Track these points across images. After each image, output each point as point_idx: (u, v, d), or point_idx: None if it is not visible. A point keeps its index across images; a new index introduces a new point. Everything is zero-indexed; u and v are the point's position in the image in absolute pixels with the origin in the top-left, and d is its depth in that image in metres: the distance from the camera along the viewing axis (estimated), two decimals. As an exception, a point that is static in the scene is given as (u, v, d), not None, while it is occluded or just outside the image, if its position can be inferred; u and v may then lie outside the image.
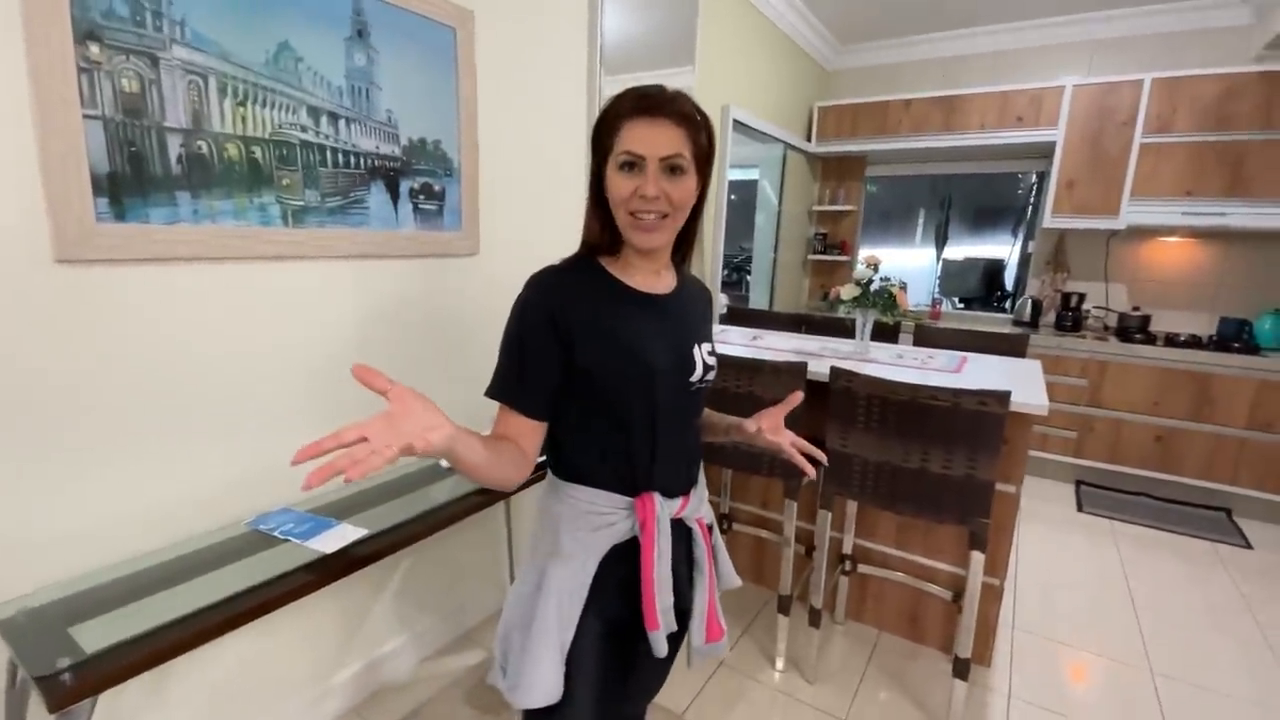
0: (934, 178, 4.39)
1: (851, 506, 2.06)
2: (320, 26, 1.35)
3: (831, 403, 1.72)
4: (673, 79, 2.82)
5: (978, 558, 1.57)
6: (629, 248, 0.88)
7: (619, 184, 0.81)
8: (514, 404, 0.85)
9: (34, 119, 0.99)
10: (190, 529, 1.25)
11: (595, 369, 0.83)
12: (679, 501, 0.93)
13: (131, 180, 1.11)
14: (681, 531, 0.95)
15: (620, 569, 0.88)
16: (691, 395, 0.93)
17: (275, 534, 1.24)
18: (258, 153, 1.28)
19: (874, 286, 2.23)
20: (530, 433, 0.86)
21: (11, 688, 1.01)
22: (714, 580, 0.99)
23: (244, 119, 1.25)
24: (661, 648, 0.89)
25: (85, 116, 1.04)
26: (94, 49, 1.04)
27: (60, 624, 0.95)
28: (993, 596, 1.87)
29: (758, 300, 4.30)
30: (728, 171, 3.19)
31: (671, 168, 0.81)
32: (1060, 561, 2.64)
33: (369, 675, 1.72)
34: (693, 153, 0.82)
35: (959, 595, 1.78)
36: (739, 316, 3.20)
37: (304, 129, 1.34)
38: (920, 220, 4.59)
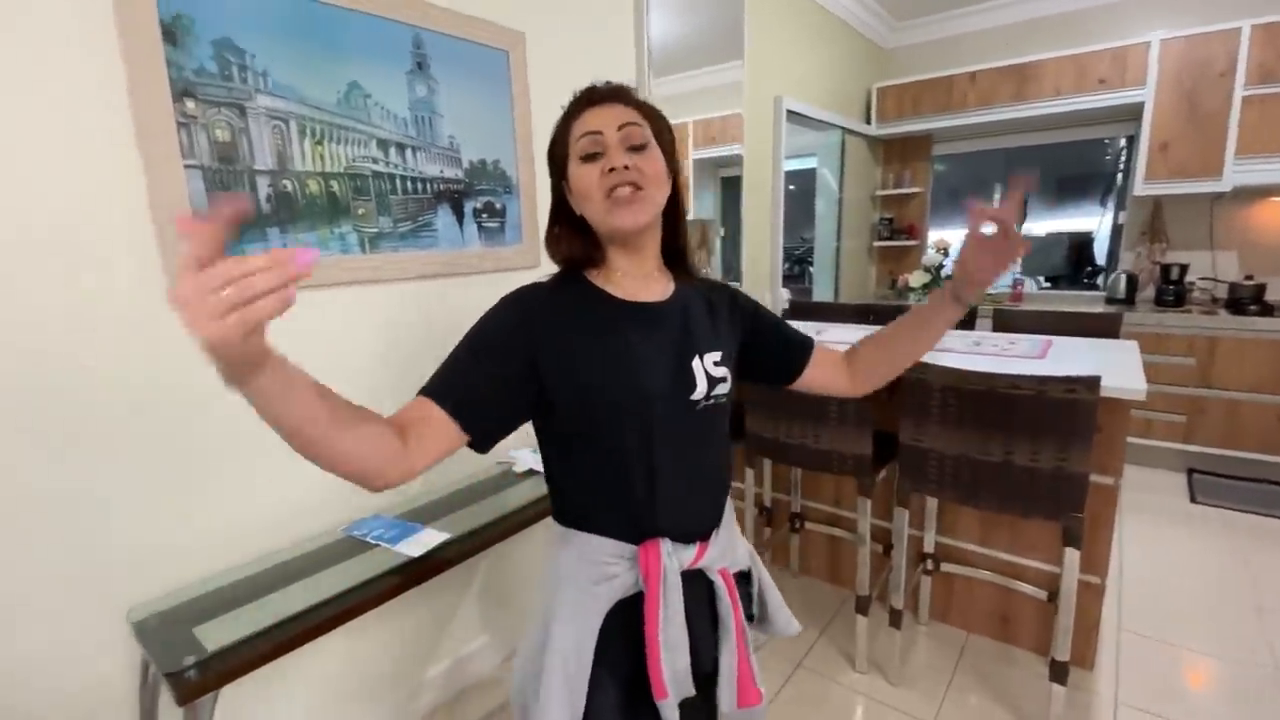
0: (1009, 151, 4.14)
1: (931, 504, 1.99)
2: (384, 64, 1.43)
3: (903, 396, 1.67)
4: (722, 75, 2.80)
5: (1072, 554, 1.48)
6: (613, 252, 0.81)
7: (585, 174, 0.75)
8: (429, 388, 0.71)
9: (144, 173, 1.10)
10: (293, 536, 1.35)
11: (577, 394, 0.74)
12: (694, 549, 0.80)
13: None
14: (701, 584, 0.83)
15: (629, 627, 0.77)
16: (699, 418, 0.80)
17: (368, 539, 1.33)
18: (335, 186, 1.37)
19: (944, 271, 2.14)
20: (436, 432, 0.68)
21: (144, 685, 1.14)
22: (744, 639, 0.85)
23: (322, 156, 1.34)
24: (671, 717, 0.77)
25: (186, 166, 1.15)
26: (190, 104, 1.15)
27: (184, 625, 1.06)
28: (1093, 596, 1.75)
29: (822, 292, 4.19)
30: (783, 162, 3.13)
31: (633, 147, 0.75)
32: (1172, 557, 2.44)
33: (457, 672, 1.81)
34: (652, 130, 0.78)
35: (1054, 595, 1.68)
36: (802, 310, 3.14)
37: (375, 161, 1.43)
38: (996, 197, 4.34)
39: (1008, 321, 2.57)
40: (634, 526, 0.78)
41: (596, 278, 0.82)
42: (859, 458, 1.76)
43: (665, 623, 0.76)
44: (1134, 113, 3.28)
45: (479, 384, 0.72)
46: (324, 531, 1.38)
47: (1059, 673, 1.53)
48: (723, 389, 0.82)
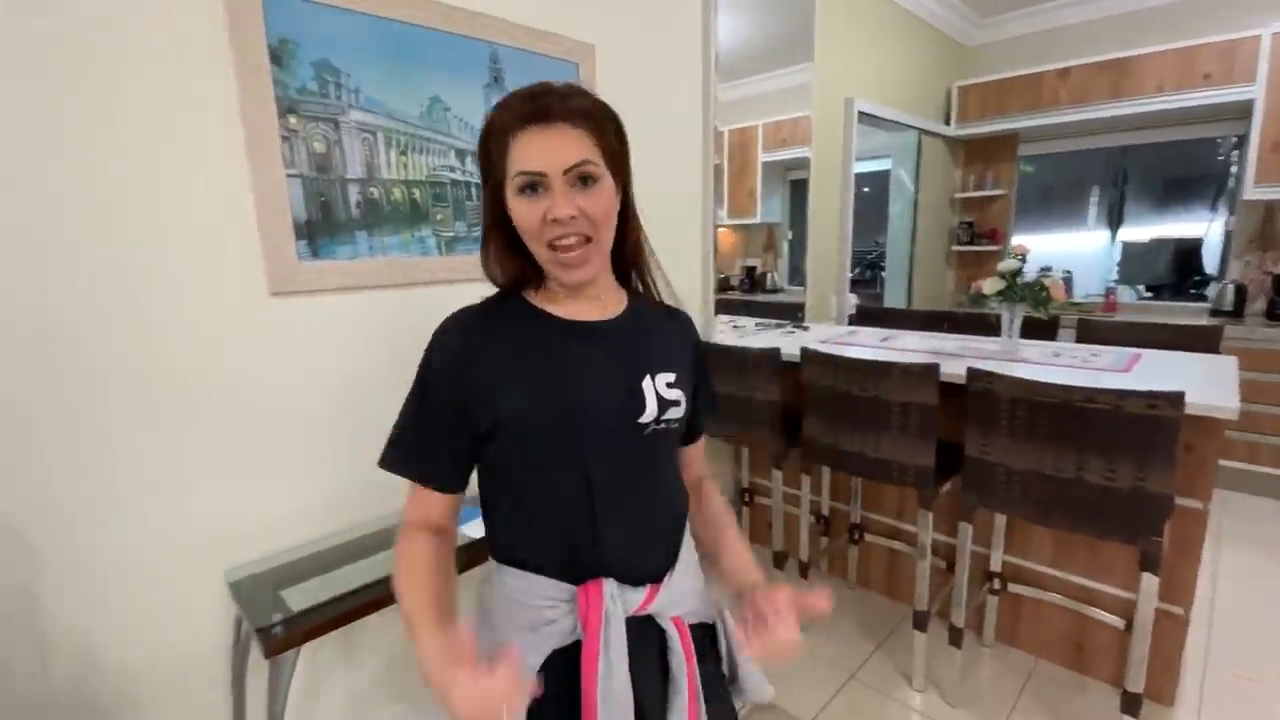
0: (1108, 150, 3.87)
1: (999, 520, 1.91)
2: (463, 78, 1.53)
3: (969, 407, 1.62)
4: (792, 77, 2.79)
5: (1149, 581, 1.39)
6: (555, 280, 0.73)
7: (523, 211, 0.66)
8: (420, 477, 0.72)
9: (251, 184, 1.24)
10: (365, 515, 1.47)
11: (510, 418, 0.68)
12: (643, 592, 0.72)
13: (322, 225, 1.34)
14: (652, 633, 0.73)
15: (566, 680, 0.68)
16: (647, 443, 0.72)
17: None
18: (417, 193, 1.48)
19: (1023, 278, 2.04)
20: (448, 507, 0.73)
21: (236, 641, 1.27)
22: (696, 700, 0.73)
23: (406, 165, 1.45)
24: None
25: (288, 176, 1.28)
26: (292, 120, 1.28)
27: (272, 588, 1.18)
28: (1175, 627, 1.63)
29: (893, 298, 4.07)
30: (853, 164, 3.07)
31: (581, 177, 0.66)
32: (1272, 591, 2.22)
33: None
34: (603, 155, 0.68)
35: (1131, 623, 1.58)
36: (869, 316, 3.07)
37: (453, 169, 1.53)
38: (1093, 200, 4.06)
39: (1094, 332, 2.42)
40: (574, 564, 0.70)
41: (535, 297, 0.75)
42: (921, 469, 1.71)
43: (605, 675, 0.67)
44: (1243, 111, 3.01)
45: (444, 450, 0.71)
46: (399, 511, 1.49)
47: (1131, 705, 1.44)
48: (675, 413, 0.74)
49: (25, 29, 0.98)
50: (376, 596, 1.14)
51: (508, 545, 0.74)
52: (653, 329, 0.79)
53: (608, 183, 0.69)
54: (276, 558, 1.30)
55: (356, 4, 1.33)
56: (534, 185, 0.65)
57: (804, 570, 2.11)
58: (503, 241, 0.72)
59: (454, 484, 0.73)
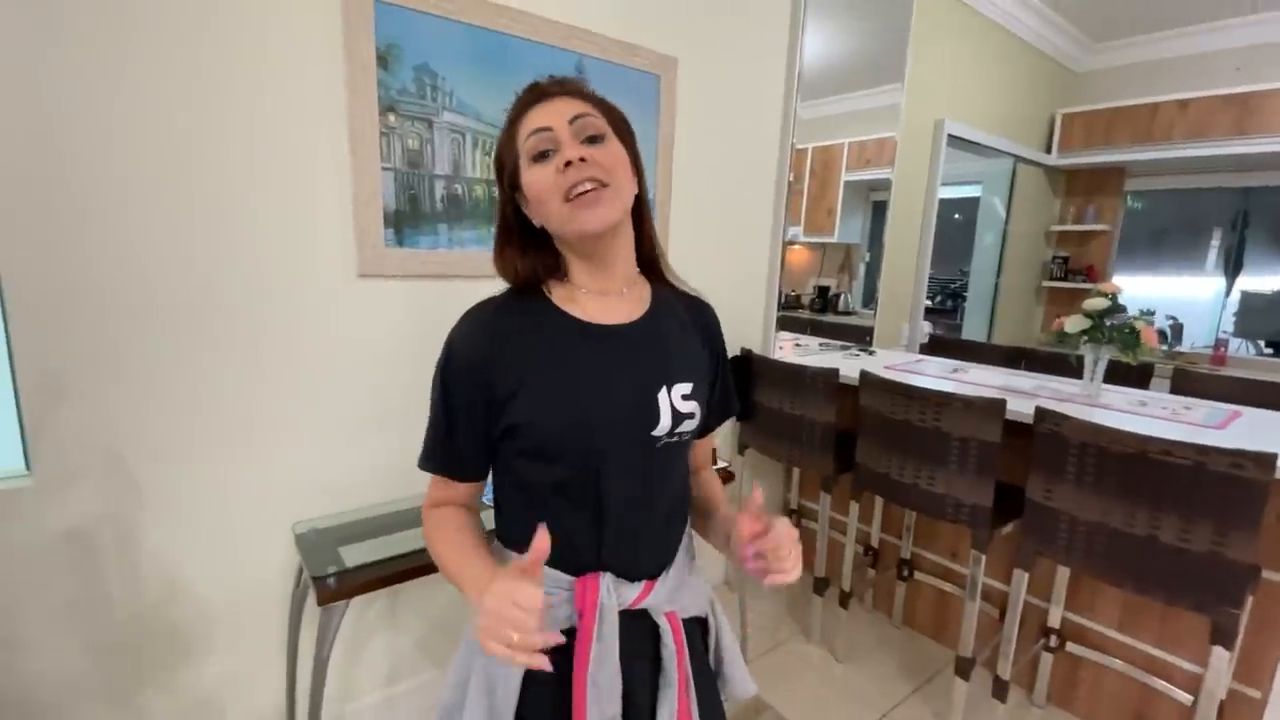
0: (1229, 192, 3.57)
1: (1062, 574, 1.80)
2: (548, 85, 1.61)
3: (1035, 448, 1.54)
4: (877, 98, 2.74)
5: (1220, 655, 1.28)
6: (576, 267, 0.74)
7: (539, 176, 0.67)
8: (451, 473, 0.75)
9: (351, 173, 1.36)
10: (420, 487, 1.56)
11: (524, 424, 0.69)
12: (639, 587, 0.73)
13: (409, 215, 1.45)
14: (645, 626, 0.75)
15: (559, 666, 0.67)
16: (659, 454, 0.73)
17: (484, 501, 1.49)
18: (496, 193, 1.57)
19: (1112, 319, 1.92)
20: (465, 493, 0.77)
21: (296, 587, 1.39)
22: (687, 692, 0.76)
23: (487, 166, 1.55)
24: None
25: (383, 169, 1.39)
26: (391, 118, 1.39)
27: (333, 544, 1.28)
28: (1250, 711, 1.48)
29: (974, 330, 3.89)
30: (938, 188, 2.98)
31: (589, 138, 0.68)
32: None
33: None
34: (607, 119, 0.70)
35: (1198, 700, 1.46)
36: (942, 346, 2.96)
37: (530, 170, 1.62)
38: (1214, 243, 3.75)
39: (1191, 384, 2.24)
40: (575, 559, 0.71)
41: (556, 294, 0.74)
42: (976, 508, 1.65)
43: (596, 663, 0.69)
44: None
45: (470, 445, 0.73)
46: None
47: (1192, 790, 1.33)
48: (689, 425, 0.74)
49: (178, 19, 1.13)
50: (425, 562, 1.21)
51: (512, 532, 0.76)
52: (674, 332, 0.78)
53: (616, 144, 0.70)
54: (342, 516, 1.41)
55: (458, 14, 1.43)
56: (544, 151, 0.67)
57: (844, 600, 2.06)
58: (518, 239, 0.74)
59: (480, 474, 0.77)
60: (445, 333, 0.75)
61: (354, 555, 1.22)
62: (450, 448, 0.73)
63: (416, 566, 1.20)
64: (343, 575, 1.15)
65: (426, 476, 0.79)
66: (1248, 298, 3.58)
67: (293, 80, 1.26)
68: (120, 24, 1.08)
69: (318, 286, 1.36)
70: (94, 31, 1.06)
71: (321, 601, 1.11)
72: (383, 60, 1.35)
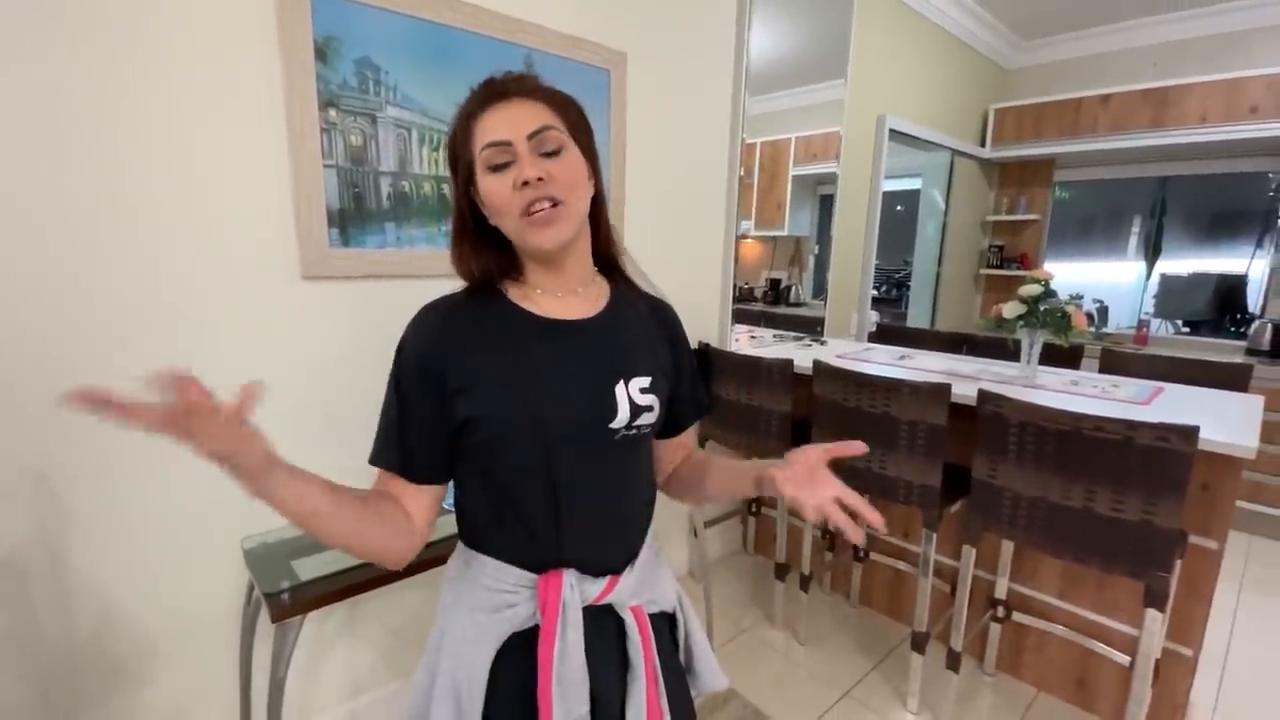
0: (1150, 181, 3.80)
1: (1006, 548, 1.89)
2: (496, 79, 1.58)
3: (979, 429, 1.61)
4: (823, 93, 2.80)
5: (1154, 617, 1.36)
6: (532, 269, 0.74)
7: (495, 188, 0.67)
8: (391, 464, 0.71)
9: (290, 171, 1.30)
10: (380, 496, 1.52)
11: (479, 418, 0.68)
12: (603, 582, 0.73)
13: (354, 214, 1.40)
14: (610, 622, 0.75)
15: (524, 663, 0.70)
16: (618, 447, 0.73)
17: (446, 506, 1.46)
18: (445, 189, 1.53)
19: (1045, 304, 2.02)
20: (414, 496, 0.71)
21: (247, 604, 1.33)
22: (655, 687, 0.75)
23: (436, 161, 1.51)
24: None
25: (325, 166, 1.34)
26: (332, 113, 1.34)
27: (285, 558, 1.23)
28: (1182, 669, 1.59)
29: (917, 318, 4.03)
30: (882, 182, 3.07)
31: (547, 152, 0.67)
32: (1298, 644, 2.15)
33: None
34: (566, 126, 0.69)
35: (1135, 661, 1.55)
36: (889, 334, 3.05)
37: (480, 166, 1.58)
38: (1134, 230, 3.98)
39: (1118, 364, 2.38)
40: (536, 556, 0.71)
41: (512, 292, 0.74)
42: (926, 488, 1.71)
43: (560, 660, 0.69)
44: (1294, 145, 2.93)
45: (418, 442, 0.70)
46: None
47: (1130, 744, 1.42)
48: (647, 418, 0.74)
49: (59, 12, 1.06)
50: (383, 573, 1.18)
51: (473, 531, 0.75)
52: (633, 327, 0.79)
53: (574, 154, 0.69)
54: (293, 528, 1.35)
55: (399, 5, 1.39)
56: (501, 163, 0.66)
57: (804, 584, 2.11)
58: (474, 236, 0.73)
59: (428, 475, 0.72)
60: (396, 335, 0.73)
61: (308, 568, 1.18)
62: (401, 443, 0.71)
63: (376, 576, 1.17)
64: (297, 590, 1.11)
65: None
66: (1166, 280, 3.83)
67: (225, 76, 1.20)
68: (40, 23, 1.01)
69: (259, 290, 1.30)
70: (14, 32, 0.99)
71: (276, 618, 1.06)
72: (321, 53, 1.30)
